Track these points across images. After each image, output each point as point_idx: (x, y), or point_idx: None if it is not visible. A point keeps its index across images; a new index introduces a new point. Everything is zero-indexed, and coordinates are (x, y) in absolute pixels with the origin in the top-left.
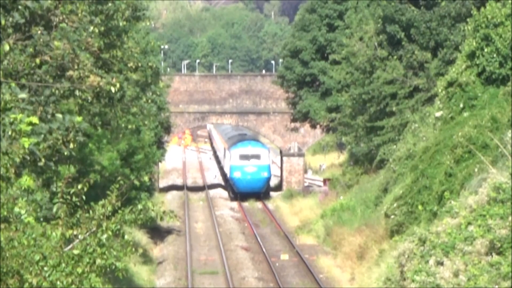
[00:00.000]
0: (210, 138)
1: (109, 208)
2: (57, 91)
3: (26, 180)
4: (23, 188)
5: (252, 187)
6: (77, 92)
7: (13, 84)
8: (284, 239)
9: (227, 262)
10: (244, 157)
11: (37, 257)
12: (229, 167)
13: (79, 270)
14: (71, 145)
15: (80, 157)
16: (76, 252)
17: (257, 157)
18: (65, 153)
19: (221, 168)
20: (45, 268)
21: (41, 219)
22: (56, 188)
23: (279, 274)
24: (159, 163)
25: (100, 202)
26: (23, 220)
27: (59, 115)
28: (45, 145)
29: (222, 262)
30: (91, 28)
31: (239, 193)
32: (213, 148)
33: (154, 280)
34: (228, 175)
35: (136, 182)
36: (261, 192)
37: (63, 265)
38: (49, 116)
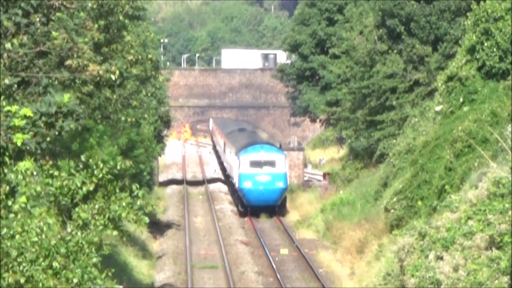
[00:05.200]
0: (211, 136)
1: (97, 205)
2: (56, 81)
3: (25, 164)
4: (22, 170)
5: (265, 200)
6: (77, 81)
7: None
8: (284, 234)
9: (227, 256)
10: (256, 164)
11: (14, 253)
12: (238, 176)
13: (55, 264)
14: (56, 131)
15: (80, 151)
16: (53, 242)
17: (271, 164)
18: (52, 135)
19: (221, 163)
20: (24, 264)
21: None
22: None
23: (279, 268)
24: (159, 157)
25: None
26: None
27: (47, 97)
28: (34, 131)
29: (222, 257)
30: (89, 4)
31: (249, 207)
32: (213, 142)
33: (153, 274)
34: (236, 186)
35: (123, 165)
36: (276, 206)
37: (40, 259)
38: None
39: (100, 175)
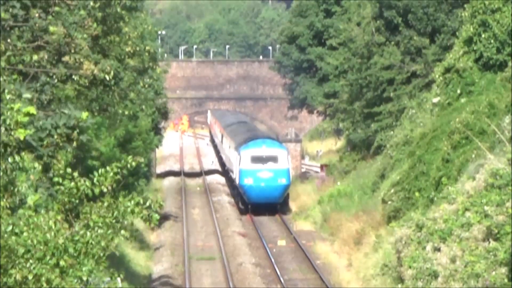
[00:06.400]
0: (209, 129)
1: (106, 203)
2: (54, 76)
3: (21, 158)
4: (19, 162)
5: (267, 197)
6: (74, 77)
7: (16, 79)
8: (281, 225)
9: (224, 248)
10: (258, 159)
11: (21, 250)
12: (238, 172)
13: (63, 263)
14: (74, 143)
15: (77, 143)
16: (61, 241)
17: (273, 159)
18: (68, 150)
19: (220, 157)
20: (31, 261)
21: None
22: (53, 173)
23: (276, 260)
24: (156, 149)
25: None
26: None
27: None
28: (49, 141)
29: (219, 248)
30: (91, 3)
31: (250, 204)
32: (211, 135)
33: (151, 266)
34: (236, 182)
35: (133, 163)
36: (278, 203)
37: (48, 257)
38: (44, 103)
39: (111, 175)
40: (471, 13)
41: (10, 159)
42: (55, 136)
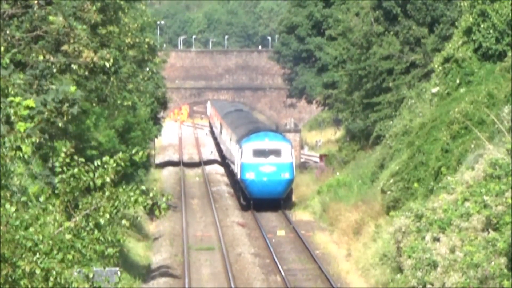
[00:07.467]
0: (209, 119)
1: (107, 193)
2: (53, 66)
3: (24, 149)
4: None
5: (270, 192)
6: (73, 66)
7: (22, 78)
8: (281, 215)
9: (223, 238)
10: (260, 153)
11: (29, 244)
12: (240, 166)
13: (69, 257)
14: (65, 117)
15: (77, 133)
16: (68, 236)
17: (276, 153)
18: (60, 125)
19: (219, 147)
20: (37, 255)
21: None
22: (53, 163)
23: (276, 250)
24: (155, 139)
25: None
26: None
27: (53, 86)
28: (39, 118)
29: (218, 238)
30: None
31: (252, 200)
32: (211, 127)
33: (150, 256)
34: (237, 176)
35: (136, 158)
36: (281, 199)
37: (55, 251)
38: (44, 89)
39: (114, 165)
40: (470, 3)
41: (9, 147)
42: (46, 113)
